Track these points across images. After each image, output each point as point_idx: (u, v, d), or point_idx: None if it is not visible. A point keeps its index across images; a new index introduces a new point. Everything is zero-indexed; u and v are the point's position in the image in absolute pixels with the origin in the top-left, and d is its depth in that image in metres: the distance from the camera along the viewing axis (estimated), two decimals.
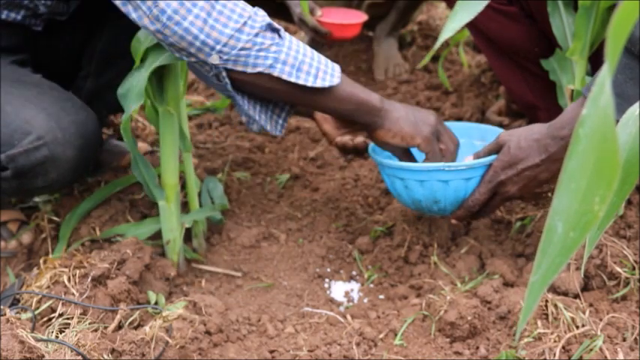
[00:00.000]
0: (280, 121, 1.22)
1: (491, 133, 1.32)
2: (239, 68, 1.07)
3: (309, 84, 1.09)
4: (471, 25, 1.61)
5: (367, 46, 2.34)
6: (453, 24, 0.69)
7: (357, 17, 1.91)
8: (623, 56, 1.03)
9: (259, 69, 1.07)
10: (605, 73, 0.38)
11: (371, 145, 1.31)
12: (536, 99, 1.58)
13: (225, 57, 1.05)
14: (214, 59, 1.05)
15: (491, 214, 1.32)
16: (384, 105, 1.18)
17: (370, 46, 2.33)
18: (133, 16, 1.03)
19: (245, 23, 1.04)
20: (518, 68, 1.57)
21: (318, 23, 1.82)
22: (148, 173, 1.28)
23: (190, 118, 1.96)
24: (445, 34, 0.71)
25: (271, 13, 2.36)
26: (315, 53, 1.13)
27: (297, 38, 1.14)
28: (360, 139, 1.45)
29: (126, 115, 1.17)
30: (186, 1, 1.01)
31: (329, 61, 1.14)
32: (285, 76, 1.08)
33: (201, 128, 1.94)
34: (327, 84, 1.10)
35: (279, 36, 1.09)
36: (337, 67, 1.14)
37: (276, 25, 1.09)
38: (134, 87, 1.17)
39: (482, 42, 1.63)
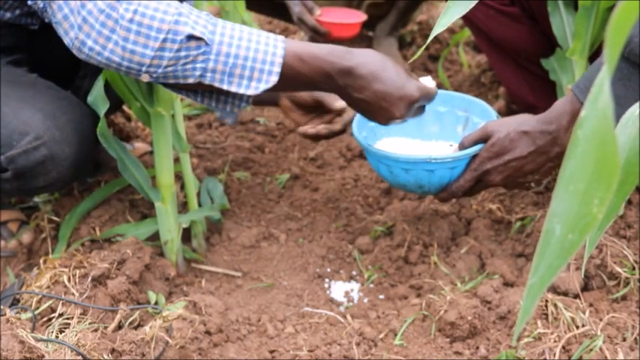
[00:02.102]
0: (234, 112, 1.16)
1: (474, 104, 1.35)
2: (171, 81, 1.04)
3: (241, 91, 1.03)
4: (472, 25, 1.61)
5: (367, 46, 2.34)
6: (445, 20, 0.70)
7: (356, 17, 1.91)
8: None
9: (190, 80, 1.02)
10: (604, 75, 0.38)
11: (355, 124, 1.29)
12: (536, 100, 1.58)
13: (154, 75, 1.01)
14: (145, 78, 1.02)
15: (473, 196, 1.35)
16: (353, 72, 1.06)
17: (370, 46, 2.32)
18: (66, 41, 1.02)
19: (165, 39, 0.99)
20: (519, 69, 1.58)
21: (317, 23, 1.82)
22: (140, 175, 1.28)
23: (190, 118, 1.96)
24: (437, 30, 0.72)
25: (271, 13, 2.36)
26: (254, 41, 1.02)
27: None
28: (320, 126, 1.35)
29: (101, 122, 1.19)
30: (103, 29, 0.98)
31: (270, 49, 1.02)
32: (216, 84, 1.02)
33: (201, 128, 1.94)
34: (260, 88, 1.03)
35: (206, 43, 1.00)
36: (279, 53, 1.02)
37: (198, 33, 1.00)
38: (97, 92, 1.19)
39: (484, 42, 1.63)
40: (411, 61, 1.13)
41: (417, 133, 1.39)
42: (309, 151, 1.81)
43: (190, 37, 0.99)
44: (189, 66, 1.01)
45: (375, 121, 1.13)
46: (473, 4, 0.68)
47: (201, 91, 1.11)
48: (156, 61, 0.99)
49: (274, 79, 1.03)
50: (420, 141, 1.38)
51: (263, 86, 1.03)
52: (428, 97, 1.13)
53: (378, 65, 1.07)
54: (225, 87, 1.03)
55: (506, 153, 1.16)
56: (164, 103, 1.23)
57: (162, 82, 1.05)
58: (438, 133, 1.39)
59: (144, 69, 1.00)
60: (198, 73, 1.01)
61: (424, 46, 0.92)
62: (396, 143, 1.37)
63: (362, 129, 1.32)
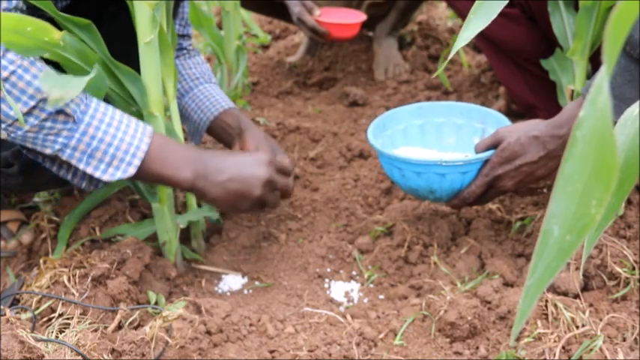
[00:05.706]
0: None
1: (491, 116, 1.36)
2: (28, 146, 1.05)
3: (97, 174, 1.05)
4: None
5: (367, 46, 2.34)
6: (467, 33, 0.69)
7: (355, 17, 1.91)
8: (622, 59, 1.03)
9: (48, 151, 1.03)
10: (604, 75, 0.38)
11: (370, 129, 1.32)
12: (536, 100, 1.58)
13: (12, 135, 1.02)
14: (2, 135, 1.02)
15: (485, 204, 1.35)
16: (196, 183, 1.12)
17: (370, 46, 2.32)
18: None
19: (35, 107, 0.99)
20: (519, 69, 1.58)
21: (316, 23, 1.82)
22: None
23: None
24: (460, 43, 0.72)
25: (271, 13, 2.36)
26: (122, 130, 1.06)
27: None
28: None
29: None
30: None
31: (135, 141, 1.07)
32: (73, 162, 1.05)
33: None
34: (116, 177, 1.06)
35: (74, 120, 1.03)
36: (142, 147, 1.07)
37: (69, 110, 1.02)
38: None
39: (483, 43, 1.63)
40: (434, 76, 1.14)
41: (434, 144, 1.41)
42: (309, 151, 1.81)
43: (60, 112, 1.01)
44: (51, 137, 1.02)
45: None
46: (494, 16, 0.68)
47: (59, 161, 1.12)
48: (18, 123, 1.00)
49: (132, 171, 1.06)
50: (436, 151, 1.39)
51: (119, 175, 1.06)
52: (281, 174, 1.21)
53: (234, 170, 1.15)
54: (81, 166, 1.05)
55: (516, 158, 1.16)
56: (156, 104, 1.22)
57: (20, 144, 1.06)
58: (455, 144, 1.40)
59: (3, 126, 1.00)
60: (57, 146, 1.03)
61: (443, 65, 0.93)
62: (413, 152, 1.38)
63: (378, 136, 1.33)
